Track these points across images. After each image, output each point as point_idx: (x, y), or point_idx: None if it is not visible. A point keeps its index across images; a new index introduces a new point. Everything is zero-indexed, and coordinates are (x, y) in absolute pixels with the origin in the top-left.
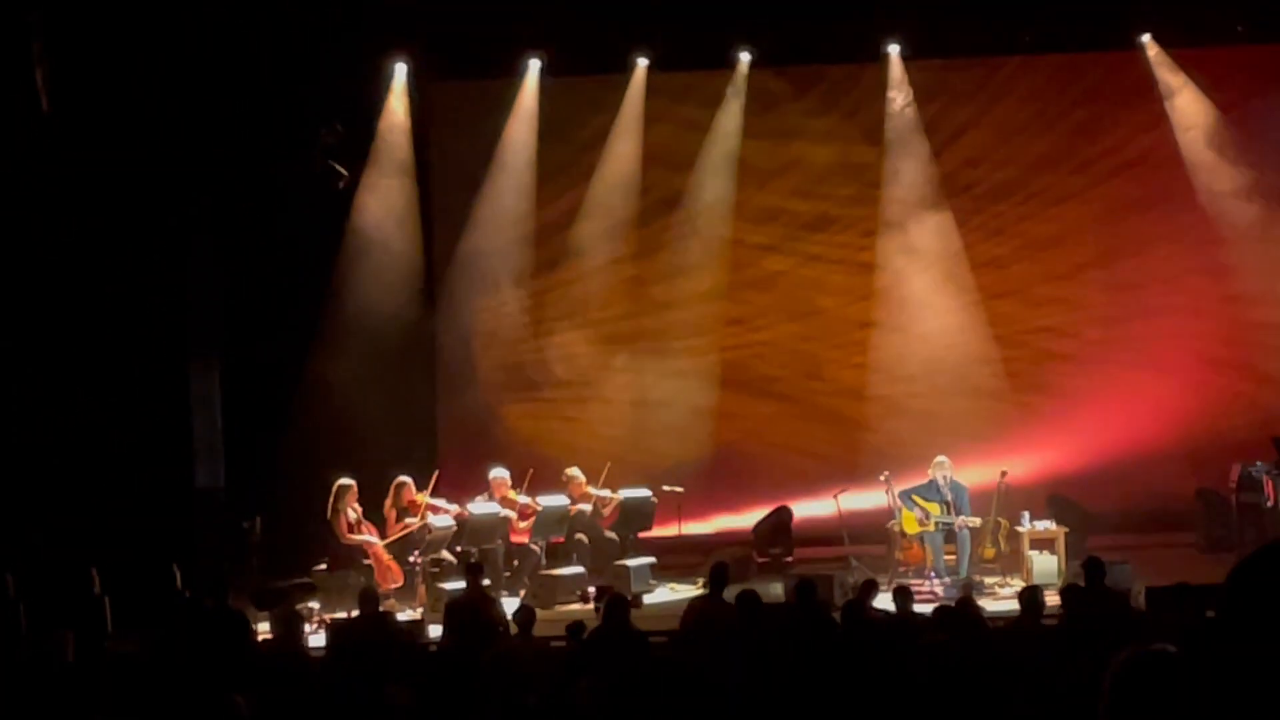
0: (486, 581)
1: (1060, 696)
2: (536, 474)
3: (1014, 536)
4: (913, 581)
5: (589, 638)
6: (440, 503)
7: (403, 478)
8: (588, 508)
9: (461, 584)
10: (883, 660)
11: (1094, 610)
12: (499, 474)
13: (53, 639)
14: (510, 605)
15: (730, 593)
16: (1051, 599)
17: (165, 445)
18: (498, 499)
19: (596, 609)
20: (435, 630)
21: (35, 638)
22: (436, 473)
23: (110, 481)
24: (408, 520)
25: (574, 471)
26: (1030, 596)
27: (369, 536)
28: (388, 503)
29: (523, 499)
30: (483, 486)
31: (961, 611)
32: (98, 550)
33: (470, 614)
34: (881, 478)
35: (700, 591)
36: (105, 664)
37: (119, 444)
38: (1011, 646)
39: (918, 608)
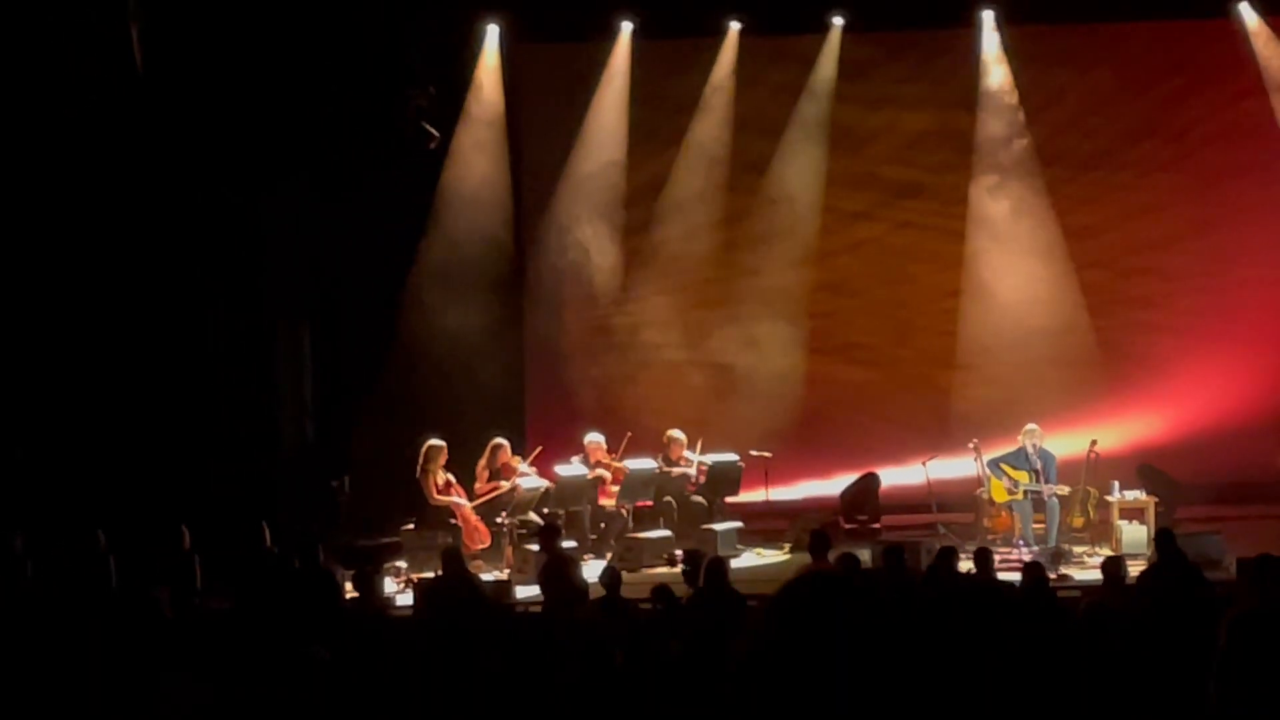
0: (569, 544)
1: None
2: (633, 445)
3: (1103, 506)
4: (1000, 550)
5: (688, 600)
6: (529, 469)
7: (499, 439)
8: (691, 471)
9: None
10: (966, 626)
11: (1163, 582)
12: (594, 439)
13: (149, 595)
14: (596, 568)
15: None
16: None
17: (254, 404)
18: (593, 463)
19: (683, 573)
20: (521, 591)
21: (129, 593)
22: (540, 449)
23: (200, 440)
24: (500, 483)
25: (676, 433)
26: (1113, 566)
27: (457, 498)
28: (481, 463)
29: (616, 465)
30: (571, 450)
31: (1030, 579)
32: (188, 508)
33: (556, 576)
34: (970, 445)
35: (786, 557)
36: (196, 620)
37: (209, 403)
38: (1089, 616)
39: (1006, 576)
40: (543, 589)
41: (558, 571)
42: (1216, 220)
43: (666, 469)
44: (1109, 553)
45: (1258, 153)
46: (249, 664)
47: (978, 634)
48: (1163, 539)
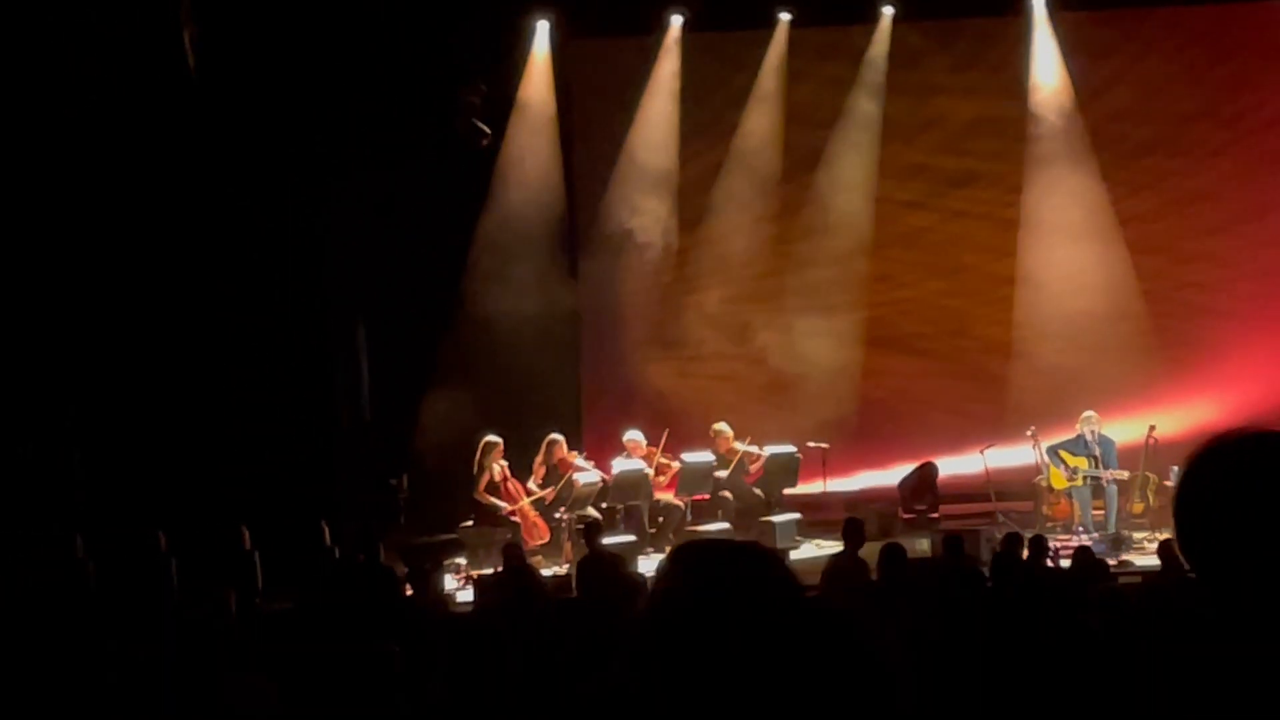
0: (628, 538)
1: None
2: (683, 431)
3: (1163, 491)
4: (1060, 537)
5: None
6: (587, 464)
7: (555, 435)
8: (745, 462)
9: (607, 539)
10: (1036, 614)
11: None
12: (633, 437)
13: (214, 596)
14: (655, 561)
15: (874, 548)
16: None
17: (312, 403)
18: (634, 458)
19: None
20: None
21: (194, 594)
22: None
23: (258, 439)
24: (556, 485)
25: (722, 427)
26: (1170, 550)
27: (500, 501)
28: (538, 459)
29: (661, 459)
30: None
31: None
32: (247, 507)
33: (598, 572)
34: (1028, 433)
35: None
36: (258, 621)
37: (267, 402)
38: (1148, 600)
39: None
40: (578, 585)
41: (596, 569)
42: (1273, 204)
43: (721, 465)
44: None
45: None
46: (312, 663)
47: (1037, 620)
48: None
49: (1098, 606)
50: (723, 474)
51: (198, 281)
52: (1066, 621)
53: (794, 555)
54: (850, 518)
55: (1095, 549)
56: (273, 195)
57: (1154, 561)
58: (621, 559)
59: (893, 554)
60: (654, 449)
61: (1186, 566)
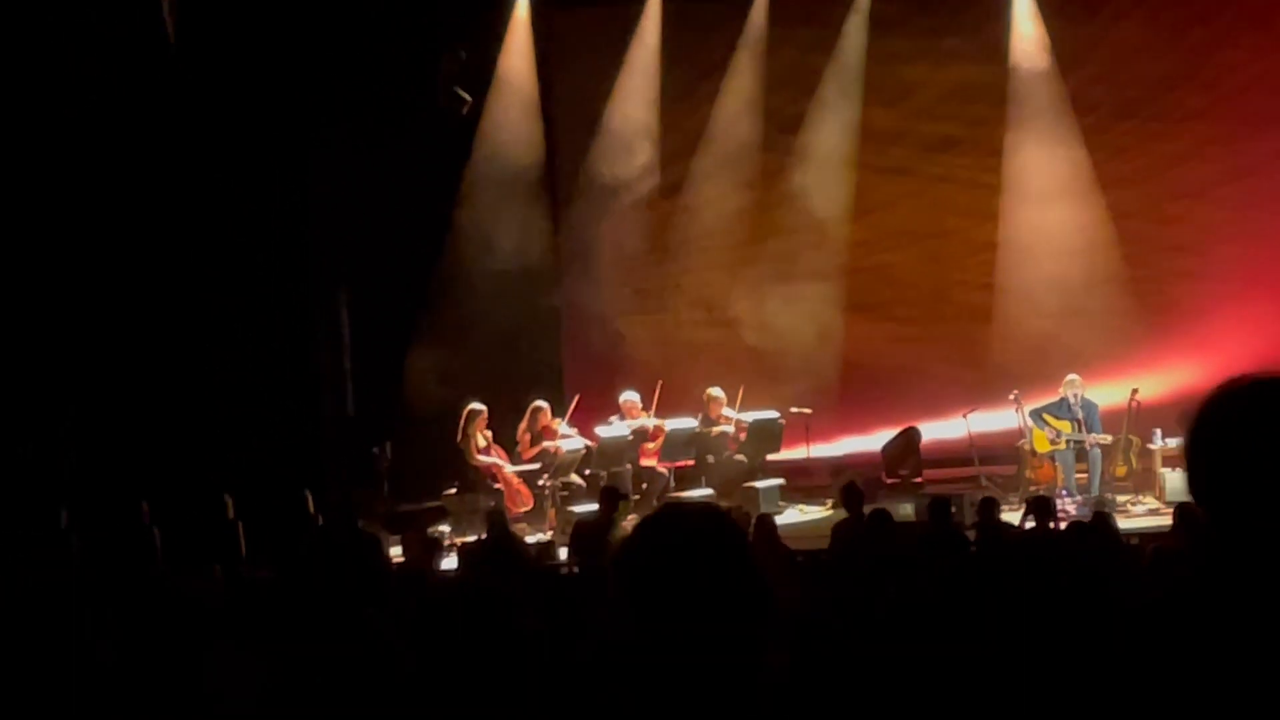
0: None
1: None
2: (665, 398)
3: (1146, 454)
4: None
5: None
6: (571, 431)
7: (539, 402)
8: (729, 429)
9: (591, 506)
10: (1021, 577)
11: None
12: (629, 397)
13: (200, 571)
14: None
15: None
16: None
17: (294, 371)
18: (630, 420)
19: None
20: (565, 553)
21: (178, 565)
22: (577, 397)
23: (241, 409)
24: (545, 446)
25: (715, 392)
26: (1184, 512)
27: (497, 459)
28: (522, 426)
29: (652, 421)
30: (609, 411)
31: (1097, 528)
32: (230, 477)
33: (598, 537)
34: (1011, 396)
35: (829, 513)
36: (242, 590)
37: (249, 372)
38: (1158, 562)
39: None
40: (573, 550)
41: (590, 534)
42: (1253, 167)
43: (706, 428)
44: (1154, 501)
45: None
46: (297, 632)
47: (1032, 585)
48: None
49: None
50: (726, 429)
51: (180, 251)
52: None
53: (777, 521)
54: (849, 483)
55: (1078, 512)
56: (254, 164)
57: (1137, 524)
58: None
59: (876, 519)
60: (648, 411)
61: (1199, 505)
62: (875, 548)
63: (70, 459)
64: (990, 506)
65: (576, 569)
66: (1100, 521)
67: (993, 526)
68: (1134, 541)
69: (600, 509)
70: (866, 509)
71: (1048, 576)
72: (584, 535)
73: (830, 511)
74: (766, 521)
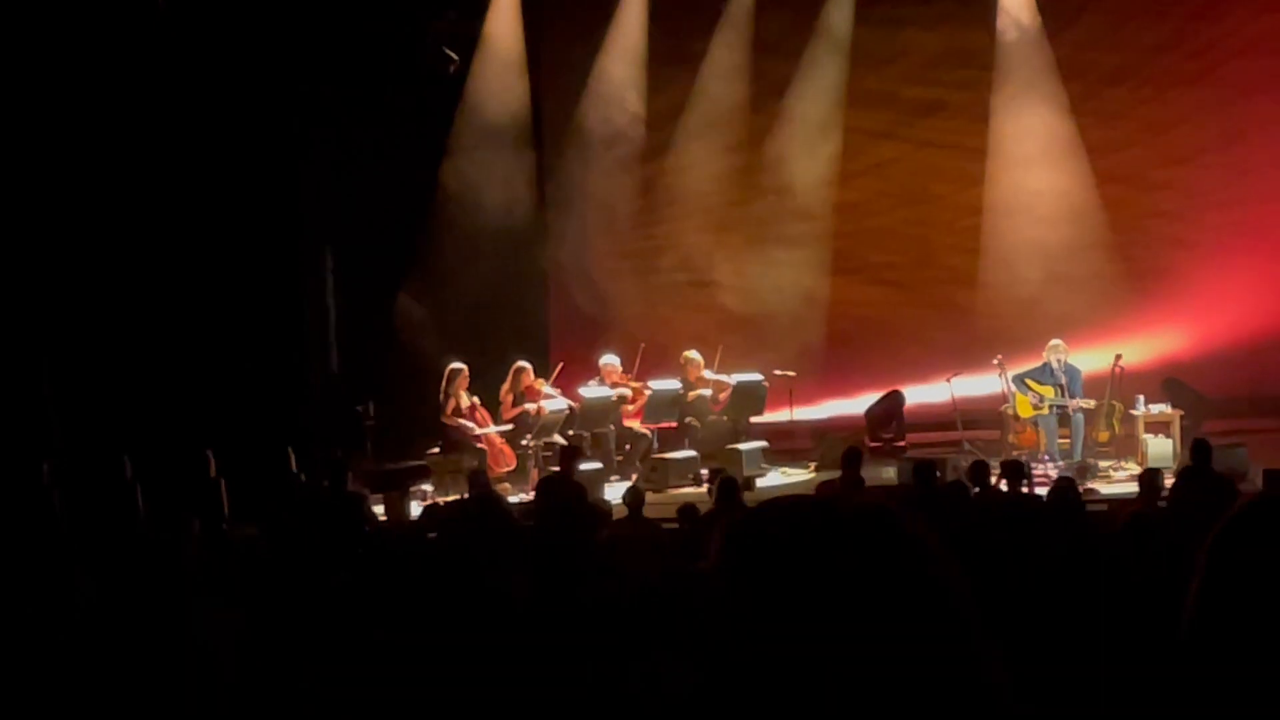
0: (594, 466)
1: (1158, 577)
2: (648, 360)
3: (1128, 420)
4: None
5: (701, 518)
6: (554, 391)
7: (522, 363)
8: (707, 392)
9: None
10: (995, 541)
11: (1198, 493)
12: (609, 361)
13: (179, 525)
14: (622, 489)
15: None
16: (1168, 482)
17: (278, 330)
18: (610, 385)
19: (709, 491)
20: None
21: (159, 523)
22: (561, 365)
23: (225, 367)
24: (526, 407)
25: (692, 355)
26: (1150, 479)
27: (468, 423)
28: (505, 387)
29: (629, 390)
30: (593, 373)
31: (1061, 495)
32: (214, 435)
33: (561, 493)
34: (995, 361)
35: (811, 476)
36: (224, 547)
37: (233, 330)
38: (1127, 529)
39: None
40: (538, 500)
41: (558, 492)
42: (1240, 134)
43: (686, 391)
44: (1135, 467)
45: None
46: (278, 590)
47: (1011, 548)
48: (1198, 449)
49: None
50: (704, 393)
51: (165, 208)
52: (1046, 548)
53: (760, 483)
54: (851, 446)
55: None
56: (242, 123)
57: (1119, 490)
58: (584, 488)
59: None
60: (629, 375)
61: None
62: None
63: (53, 414)
64: (982, 470)
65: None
66: (1064, 486)
67: (966, 490)
68: (1104, 508)
69: (560, 467)
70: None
71: (1014, 538)
72: (547, 490)
73: (813, 474)
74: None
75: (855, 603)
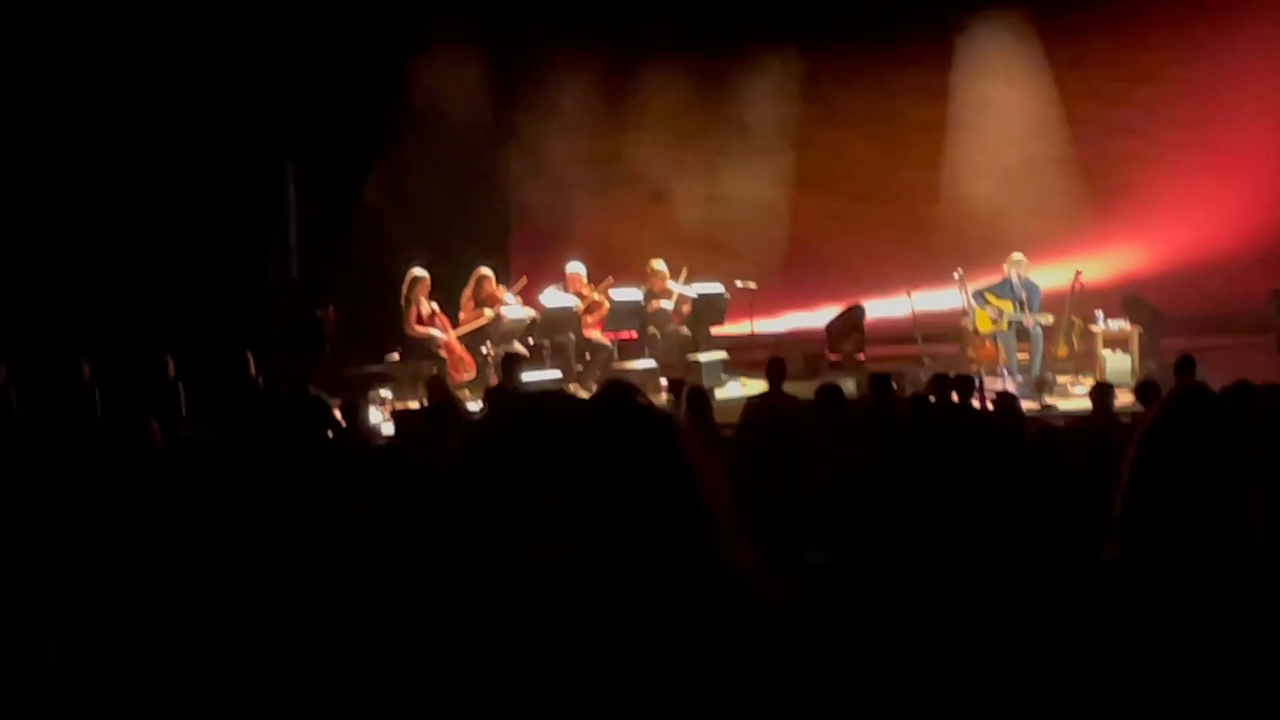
0: (554, 375)
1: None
2: (610, 266)
3: (1087, 336)
4: (986, 379)
5: None
6: (515, 300)
7: (484, 270)
8: (669, 304)
9: (537, 375)
10: (953, 453)
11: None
12: (575, 268)
13: (138, 426)
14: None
15: (807, 388)
16: (1125, 398)
17: (239, 235)
18: (572, 293)
19: (668, 403)
20: None
21: (117, 423)
22: (524, 279)
23: (184, 271)
24: (484, 310)
25: (658, 264)
26: (1101, 393)
27: (436, 331)
28: (466, 293)
29: (594, 296)
30: (557, 279)
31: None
32: (172, 338)
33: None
34: (955, 275)
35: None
36: (181, 450)
37: (194, 234)
38: (1082, 442)
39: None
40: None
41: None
42: (1204, 52)
43: (650, 301)
44: (1092, 382)
45: None
46: (237, 493)
47: (966, 461)
48: (1183, 366)
49: (1034, 447)
50: (665, 304)
51: (128, 112)
52: (992, 461)
53: (719, 394)
54: (774, 357)
55: (1019, 392)
56: (205, 32)
57: (1078, 405)
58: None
59: (827, 394)
60: (591, 285)
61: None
62: (820, 421)
63: (8, 315)
64: (943, 383)
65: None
66: (1005, 402)
67: (926, 403)
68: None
69: (501, 378)
70: (808, 385)
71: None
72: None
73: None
74: (700, 395)
75: (586, 489)
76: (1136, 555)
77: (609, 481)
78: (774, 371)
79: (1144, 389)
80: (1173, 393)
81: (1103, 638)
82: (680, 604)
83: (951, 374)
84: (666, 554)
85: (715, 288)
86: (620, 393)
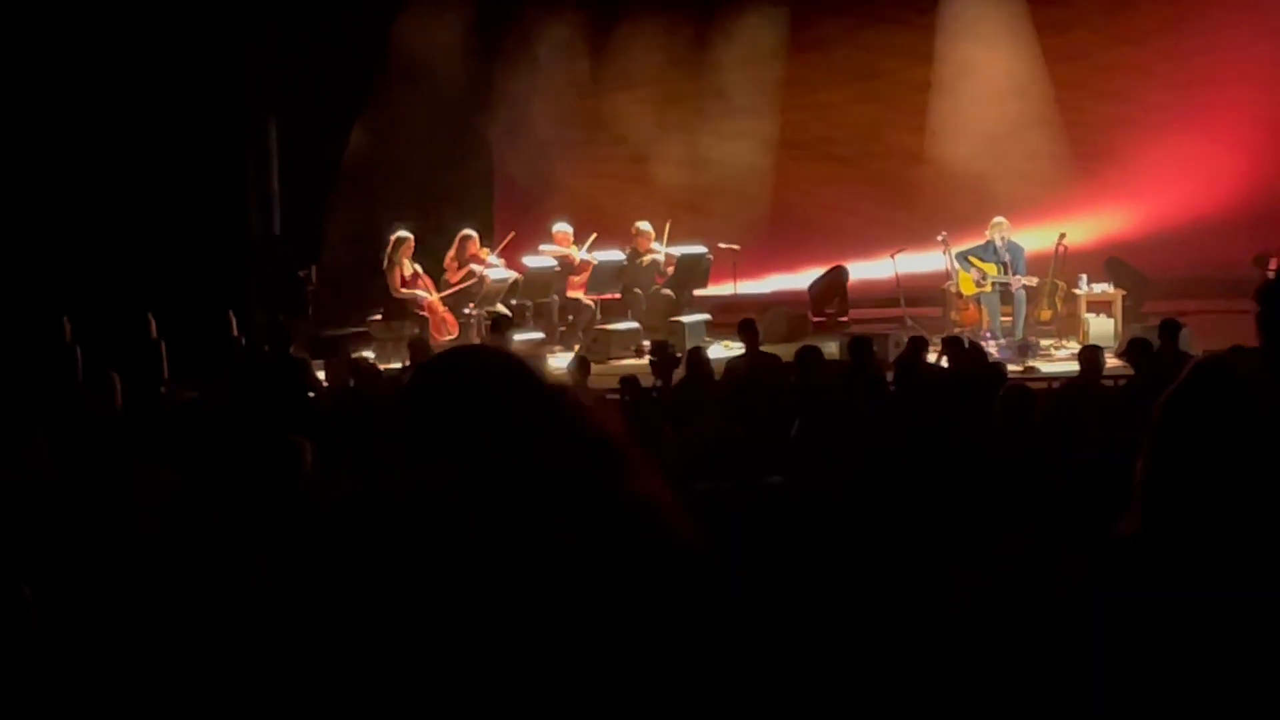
0: (537, 335)
1: (1125, 449)
2: (595, 227)
3: (1071, 299)
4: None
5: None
6: (498, 261)
7: (468, 231)
8: (659, 258)
9: (521, 335)
10: (935, 415)
11: (1167, 370)
12: (562, 228)
13: (101, 382)
14: (565, 360)
15: (787, 350)
16: (1109, 361)
17: (221, 193)
18: (563, 251)
19: (651, 364)
20: None
21: (97, 382)
22: (511, 234)
23: (165, 228)
24: (472, 269)
25: (643, 225)
26: (1090, 355)
27: (422, 292)
28: (450, 254)
29: (582, 255)
30: (539, 241)
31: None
32: (153, 297)
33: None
34: (939, 238)
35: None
36: (160, 409)
37: (176, 192)
38: (1071, 404)
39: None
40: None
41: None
42: (1189, 14)
43: (634, 261)
44: (1076, 345)
45: None
46: (218, 452)
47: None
48: (1166, 329)
49: (1006, 407)
50: (656, 258)
51: (109, 69)
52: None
53: None
54: (746, 319)
55: (1002, 355)
56: None
57: (1060, 368)
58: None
59: (807, 356)
60: (577, 246)
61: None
62: (800, 383)
63: None
64: (918, 345)
65: None
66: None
67: (912, 366)
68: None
69: (491, 339)
70: (790, 347)
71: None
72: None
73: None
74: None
75: (503, 434)
76: (1164, 531)
77: (513, 425)
78: (747, 333)
79: (1133, 346)
80: (1196, 362)
81: (1113, 621)
82: (589, 531)
83: (946, 335)
84: (569, 491)
85: (698, 249)
86: (506, 356)
